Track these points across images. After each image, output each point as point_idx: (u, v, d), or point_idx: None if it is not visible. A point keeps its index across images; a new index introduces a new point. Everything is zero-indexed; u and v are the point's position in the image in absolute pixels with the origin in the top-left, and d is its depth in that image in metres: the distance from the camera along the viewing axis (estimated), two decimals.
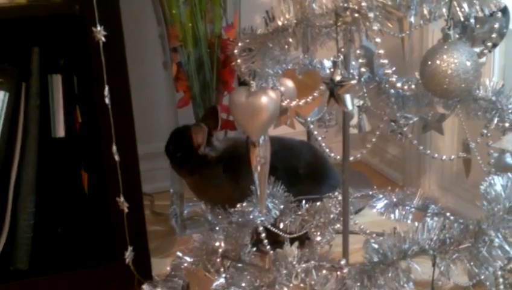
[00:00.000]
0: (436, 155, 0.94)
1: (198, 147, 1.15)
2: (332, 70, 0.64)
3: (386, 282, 0.59)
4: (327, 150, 0.92)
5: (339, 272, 0.61)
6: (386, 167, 1.50)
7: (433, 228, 0.60)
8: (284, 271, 0.62)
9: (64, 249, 1.06)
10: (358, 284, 0.59)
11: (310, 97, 0.70)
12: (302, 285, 0.62)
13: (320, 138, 0.93)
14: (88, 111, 1.06)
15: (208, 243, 0.76)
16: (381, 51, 0.61)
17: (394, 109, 0.92)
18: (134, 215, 0.98)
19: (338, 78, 0.63)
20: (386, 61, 0.62)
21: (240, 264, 0.72)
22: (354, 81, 0.63)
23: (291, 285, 0.62)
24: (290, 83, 0.75)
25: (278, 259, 0.63)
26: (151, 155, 1.38)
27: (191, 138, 1.15)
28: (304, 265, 0.62)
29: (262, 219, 0.92)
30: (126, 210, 0.95)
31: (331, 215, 0.99)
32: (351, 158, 0.90)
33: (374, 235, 0.96)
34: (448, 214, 0.93)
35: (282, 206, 0.98)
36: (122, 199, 0.95)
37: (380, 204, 0.98)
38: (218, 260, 0.73)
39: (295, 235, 0.97)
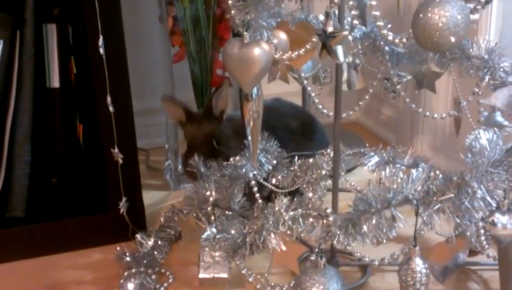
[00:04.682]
0: (427, 113, 0.95)
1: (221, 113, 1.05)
2: (325, 21, 0.64)
3: (370, 230, 0.60)
4: (320, 106, 0.93)
5: (324, 220, 0.62)
6: (380, 127, 1.51)
7: (417, 179, 0.61)
8: (272, 218, 0.63)
9: (59, 198, 1.08)
10: (343, 231, 0.61)
11: (303, 49, 0.71)
12: (289, 232, 0.64)
13: (313, 94, 0.94)
14: (83, 62, 1.06)
15: (200, 192, 0.77)
16: (374, 3, 0.61)
17: (388, 66, 0.92)
18: (129, 166, 1.00)
19: (330, 29, 0.63)
20: (378, 13, 0.62)
21: (229, 213, 0.73)
22: (345, 32, 0.63)
23: (278, 232, 0.63)
24: (283, 36, 0.75)
25: (266, 207, 0.64)
26: (147, 111, 1.38)
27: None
28: (291, 213, 0.63)
29: (255, 173, 0.93)
30: (120, 161, 0.96)
31: (323, 172, 1.00)
32: (343, 115, 0.90)
33: (364, 192, 0.97)
34: (437, 172, 0.94)
35: (274, 162, 0.99)
36: (116, 150, 0.96)
37: (372, 161, 0.99)
38: (209, 208, 0.75)
39: (287, 190, 0.99)
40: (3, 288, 0.96)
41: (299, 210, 0.63)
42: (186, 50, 1.25)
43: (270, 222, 0.63)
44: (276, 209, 0.64)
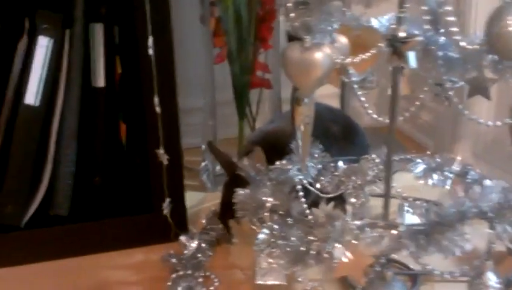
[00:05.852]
0: (481, 121, 0.92)
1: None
2: (395, 26, 0.63)
3: (444, 242, 0.58)
4: (370, 111, 0.91)
5: (394, 231, 0.61)
6: (418, 132, 1.49)
7: (492, 192, 0.59)
8: (339, 227, 0.62)
9: (101, 198, 1.07)
10: (415, 243, 0.59)
11: (368, 54, 0.69)
12: (355, 242, 0.62)
13: (363, 99, 0.92)
14: (128, 62, 1.05)
15: (255, 197, 0.76)
16: (449, 8, 0.60)
17: (440, 71, 0.90)
18: (173, 167, 0.99)
19: (402, 34, 0.62)
20: (453, 18, 0.60)
21: (289, 219, 0.72)
22: (419, 38, 0.61)
23: (344, 241, 0.62)
24: (344, 40, 0.74)
25: (332, 215, 0.63)
26: (184, 111, 1.37)
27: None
28: (358, 222, 0.62)
29: (301, 177, 0.92)
30: (166, 162, 0.96)
31: (367, 178, 0.99)
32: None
33: (410, 199, 0.95)
34: (488, 181, 0.92)
35: (320, 166, 0.98)
36: (162, 150, 0.95)
37: (419, 168, 0.97)
38: (265, 214, 0.73)
39: (331, 195, 0.97)
40: (47, 286, 0.96)
41: (367, 219, 0.62)
42: (227, 50, 1.24)
43: (337, 231, 0.62)
44: (343, 217, 0.63)
